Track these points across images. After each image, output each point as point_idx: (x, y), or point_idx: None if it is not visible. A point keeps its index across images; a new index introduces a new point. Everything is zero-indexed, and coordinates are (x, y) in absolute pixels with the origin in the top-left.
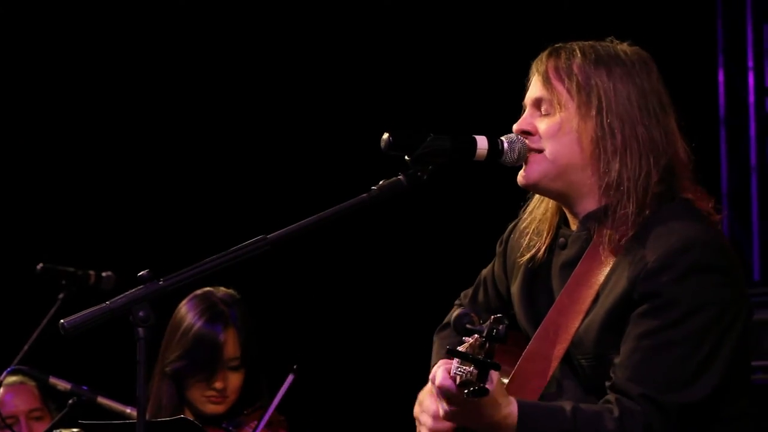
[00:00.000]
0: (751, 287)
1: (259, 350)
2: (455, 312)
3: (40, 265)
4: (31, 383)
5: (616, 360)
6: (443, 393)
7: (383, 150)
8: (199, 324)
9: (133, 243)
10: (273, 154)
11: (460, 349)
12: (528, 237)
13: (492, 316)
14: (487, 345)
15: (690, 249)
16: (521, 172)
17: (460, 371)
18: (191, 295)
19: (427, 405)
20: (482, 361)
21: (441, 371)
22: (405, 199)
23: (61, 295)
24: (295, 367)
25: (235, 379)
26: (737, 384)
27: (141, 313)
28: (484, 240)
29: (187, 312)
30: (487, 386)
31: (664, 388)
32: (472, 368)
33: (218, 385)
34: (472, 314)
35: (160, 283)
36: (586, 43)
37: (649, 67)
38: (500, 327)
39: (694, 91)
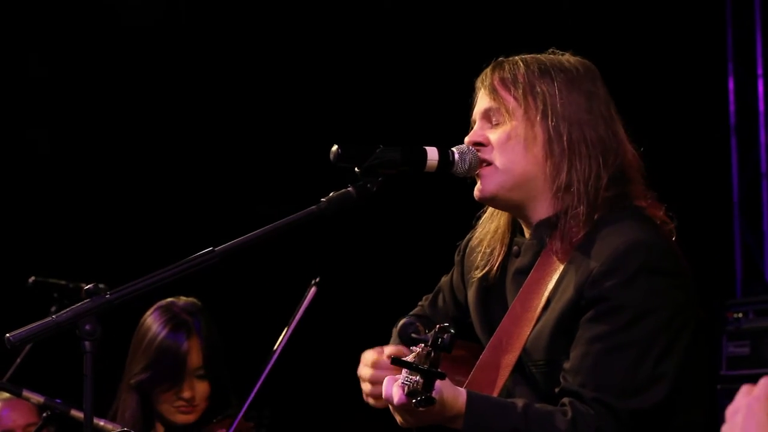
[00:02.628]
0: (761, 293)
1: (224, 357)
2: (400, 321)
3: (31, 279)
4: (40, 399)
5: (566, 365)
6: (398, 407)
7: (333, 162)
8: (162, 335)
9: (125, 256)
10: (227, 166)
11: (408, 359)
12: (481, 253)
13: (438, 326)
14: (433, 354)
15: (636, 252)
16: (477, 187)
17: (407, 381)
18: (155, 307)
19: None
20: (427, 371)
21: (397, 390)
22: (371, 206)
23: (53, 308)
24: (316, 280)
25: (202, 388)
26: (692, 391)
27: (87, 327)
28: (447, 244)
29: (150, 323)
30: (433, 395)
31: (616, 392)
32: (418, 378)
33: (186, 394)
34: (417, 323)
35: (107, 296)
36: (528, 55)
37: (593, 75)
38: (445, 336)
39: (705, 100)
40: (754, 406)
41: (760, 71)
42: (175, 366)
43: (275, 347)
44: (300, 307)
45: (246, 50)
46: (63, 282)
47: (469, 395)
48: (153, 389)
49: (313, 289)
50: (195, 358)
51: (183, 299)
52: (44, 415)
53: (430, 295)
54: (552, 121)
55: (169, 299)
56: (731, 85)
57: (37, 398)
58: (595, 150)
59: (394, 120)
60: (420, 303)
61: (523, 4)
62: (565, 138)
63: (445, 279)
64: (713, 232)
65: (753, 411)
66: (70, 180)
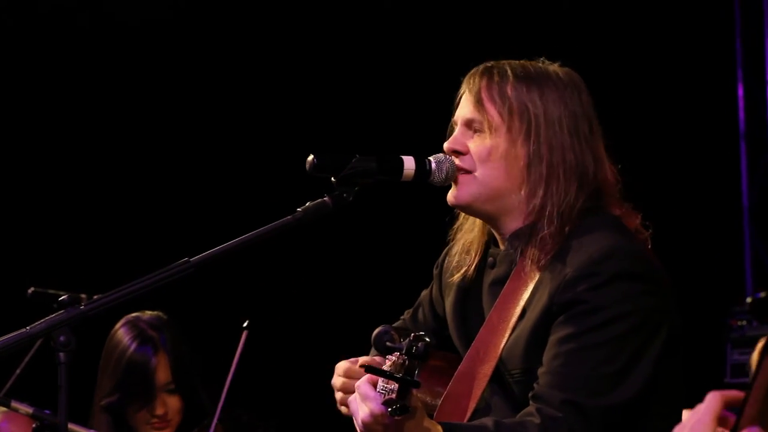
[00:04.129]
0: None
1: (194, 369)
2: (376, 330)
3: (31, 289)
4: (28, 410)
5: (540, 369)
6: (370, 411)
7: (309, 172)
8: (129, 352)
9: (124, 267)
10: (203, 176)
11: (384, 368)
12: (457, 256)
13: (413, 334)
14: (407, 363)
15: (610, 258)
16: (452, 192)
17: (383, 390)
18: (121, 323)
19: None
20: (402, 379)
21: (365, 385)
22: (348, 216)
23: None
24: (246, 324)
25: (174, 402)
26: (667, 398)
27: (61, 338)
28: (427, 259)
29: (117, 341)
30: (408, 404)
31: (585, 392)
32: (393, 386)
33: (159, 411)
34: (392, 332)
35: (81, 308)
36: (518, 62)
37: (579, 90)
38: (420, 344)
39: (714, 107)
40: (698, 424)
41: None
42: (144, 384)
43: (223, 392)
44: (236, 355)
45: (219, 58)
46: (62, 293)
47: (443, 424)
48: (125, 409)
49: (244, 334)
50: (163, 374)
51: (148, 313)
52: (33, 426)
53: (411, 309)
54: (534, 144)
55: (135, 314)
56: (740, 91)
57: (25, 409)
58: (574, 174)
59: (373, 128)
60: (402, 317)
61: (527, 8)
62: (545, 161)
63: (424, 293)
64: (723, 237)
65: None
66: (69, 190)
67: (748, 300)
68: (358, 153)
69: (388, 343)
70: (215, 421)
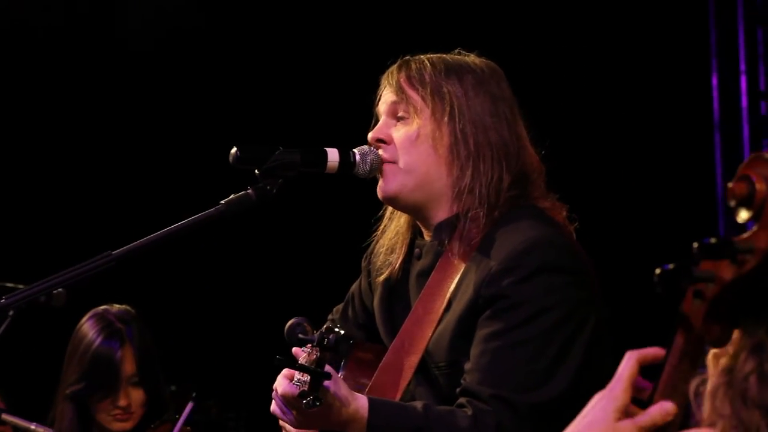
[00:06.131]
0: None
1: (159, 364)
2: (288, 322)
3: None
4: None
5: (467, 366)
6: (287, 401)
7: (232, 164)
8: (96, 343)
9: (84, 260)
10: (126, 168)
11: (301, 361)
12: (383, 255)
13: (325, 326)
14: (319, 355)
15: (533, 250)
16: (379, 185)
17: (298, 382)
18: (88, 315)
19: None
20: (313, 371)
21: (281, 379)
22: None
23: (11, 312)
24: (194, 395)
25: (138, 395)
26: (596, 389)
27: None
28: (356, 251)
29: (84, 332)
30: (320, 395)
31: (513, 388)
32: (306, 378)
33: (122, 402)
34: (306, 324)
35: (2, 300)
36: (435, 54)
37: (498, 76)
38: (331, 336)
39: (688, 97)
40: (613, 391)
41: (743, 67)
42: (110, 375)
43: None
44: (179, 422)
45: (146, 49)
46: (21, 286)
47: (370, 399)
48: (89, 398)
49: (190, 404)
50: (129, 366)
51: (116, 307)
52: None
53: (341, 305)
54: (459, 124)
55: (103, 307)
56: (714, 81)
57: None
58: (499, 153)
59: (297, 121)
60: (330, 316)
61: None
62: (471, 141)
63: (354, 287)
64: (698, 229)
65: (609, 396)
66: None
67: (656, 271)
68: (283, 146)
69: (300, 335)
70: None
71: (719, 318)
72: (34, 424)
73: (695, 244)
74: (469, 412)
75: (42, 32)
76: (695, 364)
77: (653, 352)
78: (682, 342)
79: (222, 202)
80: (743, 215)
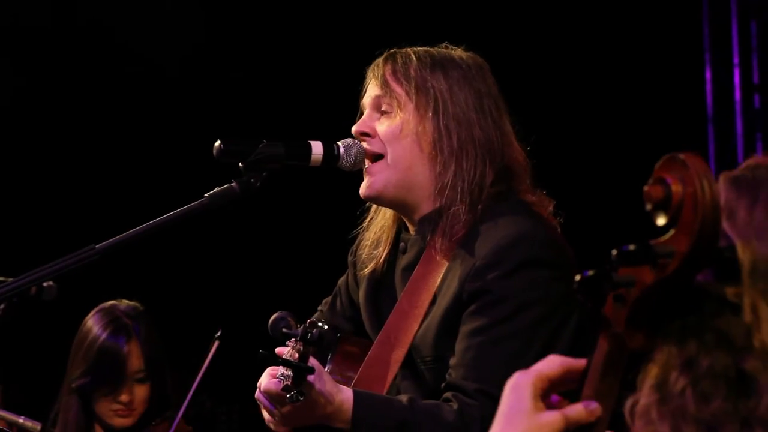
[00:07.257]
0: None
1: (164, 361)
2: (272, 317)
3: None
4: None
5: (452, 360)
6: (270, 397)
7: (216, 158)
8: (102, 338)
9: (29, 253)
10: (110, 163)
11: (285, 356)
12: (368, 249)
13: (309, 320)
14: (302, 349)
15: (517, 244)
16: (364, 184)
17: (281, 376)
18: (96, 309)
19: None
20: (296, 365)
21: (265, 376)
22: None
23: (1, 306)
24: (218, 334)
25: (141, 392)
26: None
27: None
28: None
29: (91, 326)
30: (304, 390)
31: (498, 384)
32: (290, 373)
33: (124, 398)
34: (290, 318)
35: None
36: (421, 48)
37: (484, 71)
38: (314, 331)
39: (682, 90)
40: (520, 381)
41: (736, 60)
42: (115, 370)
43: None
44: (205, 363)
45: (126, 44)
46: (11, 279)
47: (355, 392)
48: (93, 393)
49: (216, 343)
50: (135, 362)
51: (125, 302)
52: None
53: (329, 299)
54: (443, 120)
55: (111, 302)
56: (708, 75)
57: None
58: (482, 149)
59: (282, 114)
60: (319, 307)
61: None
62: (454, 137)
63: (341, 281)
64: None
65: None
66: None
67: (576, 278)
68: (267, 139)
69: (284, 330)
70: (179, 417)
71: (641, 324)
72: (23, 417)
73: (614, 251)
74: (455, 406)
75: (30, 31)
76: (619, 370)
77: (579, 363)
78: (606, 346)
79: (206, 195)
80: (661, 220)
